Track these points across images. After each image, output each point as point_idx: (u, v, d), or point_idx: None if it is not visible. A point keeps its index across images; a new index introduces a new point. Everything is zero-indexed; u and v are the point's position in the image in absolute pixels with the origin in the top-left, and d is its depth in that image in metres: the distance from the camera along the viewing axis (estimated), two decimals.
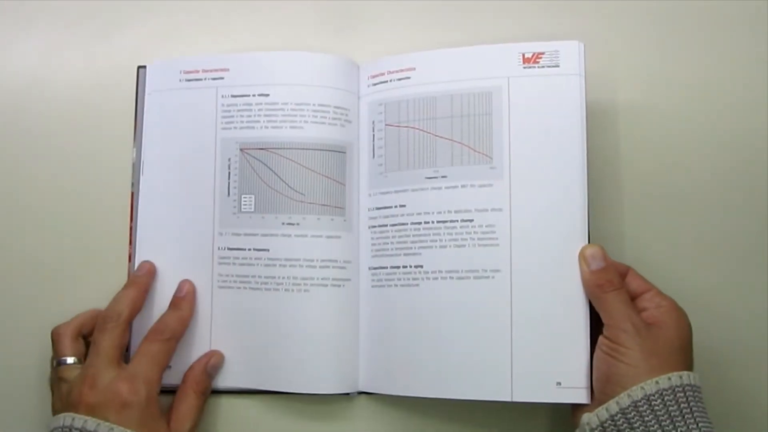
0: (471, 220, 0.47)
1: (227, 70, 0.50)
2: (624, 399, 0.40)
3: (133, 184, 0.51)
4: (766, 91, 0.52)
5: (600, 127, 0.52)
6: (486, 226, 0.46)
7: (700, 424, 0.39)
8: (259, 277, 0.48)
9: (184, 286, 0.48)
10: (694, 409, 0.40)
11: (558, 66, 0.47)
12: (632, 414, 0.39)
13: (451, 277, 0.46)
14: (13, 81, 0.53)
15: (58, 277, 0.50)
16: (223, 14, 0.54)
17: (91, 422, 0.40)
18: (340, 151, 0.49)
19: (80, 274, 0.50)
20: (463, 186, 0.47)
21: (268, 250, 0.48)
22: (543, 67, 0.47)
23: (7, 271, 0.51)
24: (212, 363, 0.48)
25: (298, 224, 0.48)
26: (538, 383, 0.44)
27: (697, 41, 0.53)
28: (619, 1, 0.54)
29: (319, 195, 0.49)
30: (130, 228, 0.50)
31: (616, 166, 0.52)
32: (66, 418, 0.41)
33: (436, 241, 0.47)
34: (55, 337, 0.46)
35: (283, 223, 0.48)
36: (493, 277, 0.46)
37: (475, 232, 0.46)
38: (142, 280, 0.48)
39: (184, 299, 0.48)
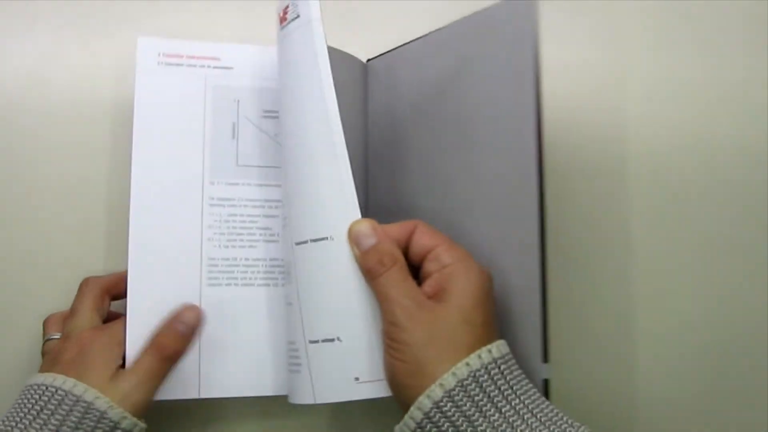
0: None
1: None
2: (416, 413, 0.33)
3: None
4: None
5: (603, 124, 0.51)
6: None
7: (503, 409, 0.33)
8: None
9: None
10: (493, 395, 0.33)
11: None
12: (429, 427, 0.33)
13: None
14: (13, 81, 0.52)
15: (58, 275, 0.50)
16: (224, 14, 0.54)
17: (39, 377, 0.39)
18: None
19: (81, 272, 0.47)
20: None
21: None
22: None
23: (7, 269, 0.50)
24: (184, 317, 0.42)
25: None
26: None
27: (701, 40, 0.52)
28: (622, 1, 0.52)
29: None
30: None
31: (620, 163, 0.50)
32: (29, 379, 0.40)
33: None
34: (45, 322, 0.45)
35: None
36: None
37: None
38: None
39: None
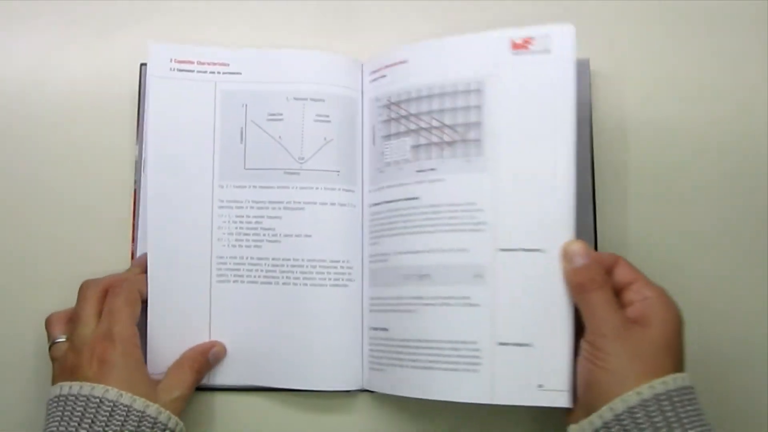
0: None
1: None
2: (607, 413, 0.37)
3: (135, 182, 0.51)
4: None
5: (606, 127, 0.51)
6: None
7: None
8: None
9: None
10: (682, 415, 0.37)
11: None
12: (616, 429, 0.37)
13: None
14: (14, 80, 0.53)
15: (60, 276, 0.50)
16: (224, 13, 0.55)
17: (75, 386, 0.41)
18: None
19: (82, 273, 0.48)
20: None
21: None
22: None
23: (9, 269, 0.51)
24: (215, 351, 0.47)
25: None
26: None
27: (704, 41, 0.52)
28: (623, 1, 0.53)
29: None
30: (133, 225, 0.51)
31: (620, 165, 0.51)
32: (54, 389, 0.42)
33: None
34: (48, 323, 0.45)
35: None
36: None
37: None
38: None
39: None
